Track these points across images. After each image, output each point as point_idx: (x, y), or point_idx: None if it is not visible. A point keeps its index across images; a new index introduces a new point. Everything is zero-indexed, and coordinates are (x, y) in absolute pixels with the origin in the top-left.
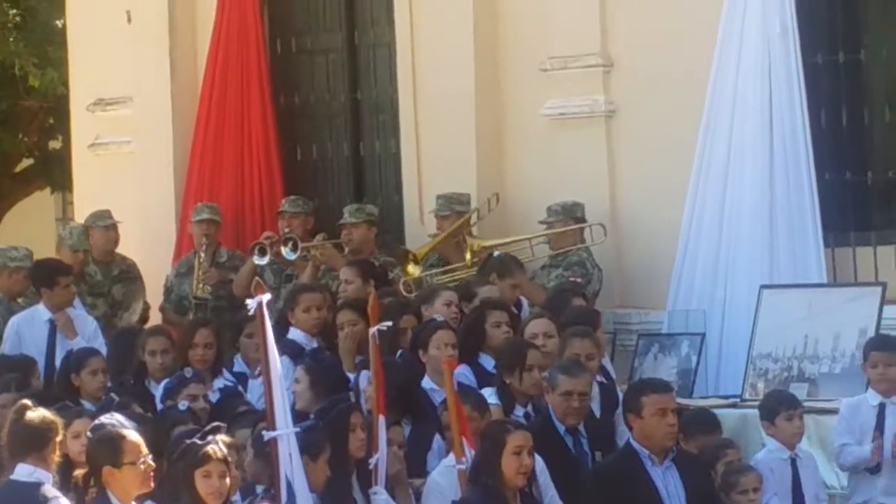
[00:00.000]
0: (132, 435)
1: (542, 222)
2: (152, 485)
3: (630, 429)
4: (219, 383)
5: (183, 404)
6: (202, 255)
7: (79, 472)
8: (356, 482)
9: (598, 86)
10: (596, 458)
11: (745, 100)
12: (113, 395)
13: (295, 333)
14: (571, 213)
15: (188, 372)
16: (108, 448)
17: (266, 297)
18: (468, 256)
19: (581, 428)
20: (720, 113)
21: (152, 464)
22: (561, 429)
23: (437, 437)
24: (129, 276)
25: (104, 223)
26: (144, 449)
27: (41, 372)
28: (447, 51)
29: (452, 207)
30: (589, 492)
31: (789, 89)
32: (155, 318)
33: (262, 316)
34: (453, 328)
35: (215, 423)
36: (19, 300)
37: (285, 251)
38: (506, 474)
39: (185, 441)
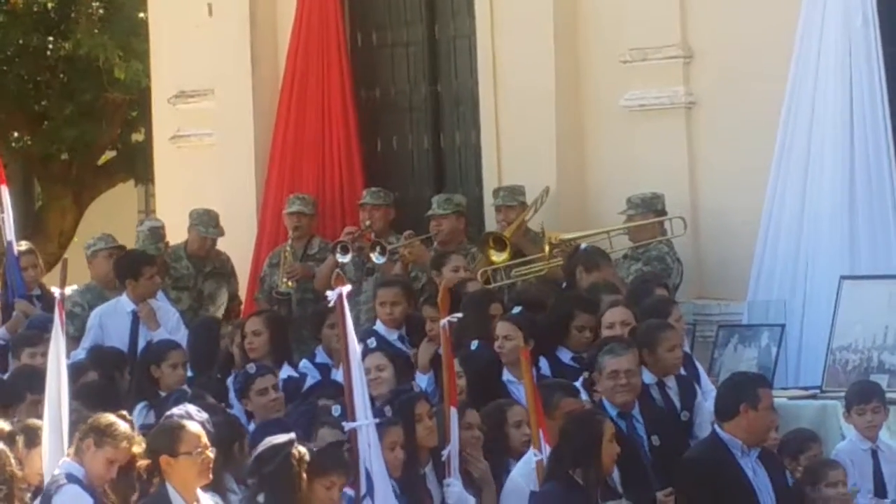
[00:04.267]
0: (192, 426)
1: (621, 213)
2: (210, 476)
3: (728, 418)
4: (282, 374)
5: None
6: (288, 249)
7: (142, 463)
8: (432, 473)
9: (678, 77)
10: (652, 441)
11: (825, 91)
12: (185, 387)
13: (378, 324)
14: (651, 206)
15: (251, 368)
16: (166, 437)
17: (346, 288)
18: (547, 248)
19: (636, 413)
20: (800, 104)
21: (211, 455)
22: (612, 413)
23: None
24: (222, 271)
25: (208, 231)
26: (204, 440)
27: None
28: (527, 43)
29: (516, 198)
30: (646, 474)
31: (870, 80)
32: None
33: (342, 307)
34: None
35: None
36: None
37: (374, 256)
38: (605, 462)
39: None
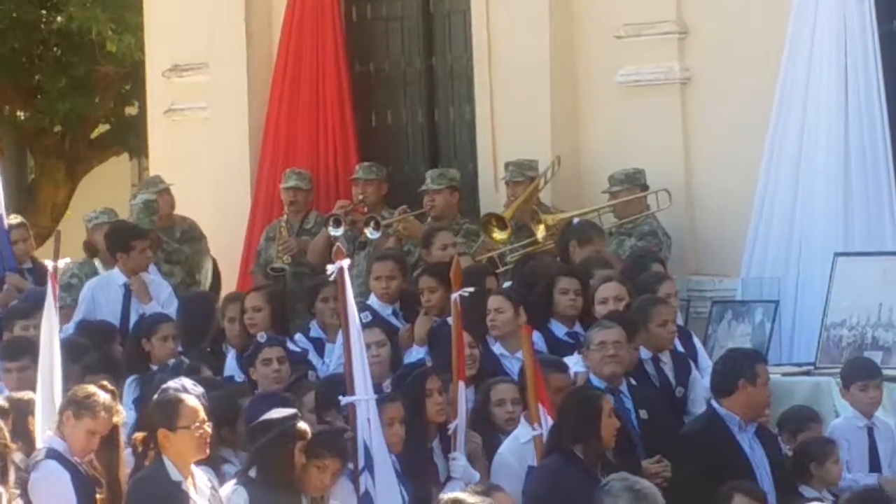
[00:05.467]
0: (190, 400)
1: (605, 192)
2: (208, 451)
3: (726, 394)
4: None
5: (240, 377)
6: (283, 224)
7: (138, 436)
8: (438, 447)
9: (672, 52)
10: (640, 415)
11: (820, 67)
12: (183, 357)
13: (371, 299)
14: (636, 181)
15: (262, 336)
16: (164, 411)
17: (346, 262)
18: (542, 233)
19: (624, 389)
20: (795, 80)
21: (208, 430)
22: (600, 387)
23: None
24: (193, 235)
25: (157, 189)
26: (202, 415)
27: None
28: (522, 18)
29: (525, 174)
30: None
31: (865, 56)
32: (228, 281)
33: (343, 281)
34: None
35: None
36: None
37: (368, 231)
38: (605, 437)
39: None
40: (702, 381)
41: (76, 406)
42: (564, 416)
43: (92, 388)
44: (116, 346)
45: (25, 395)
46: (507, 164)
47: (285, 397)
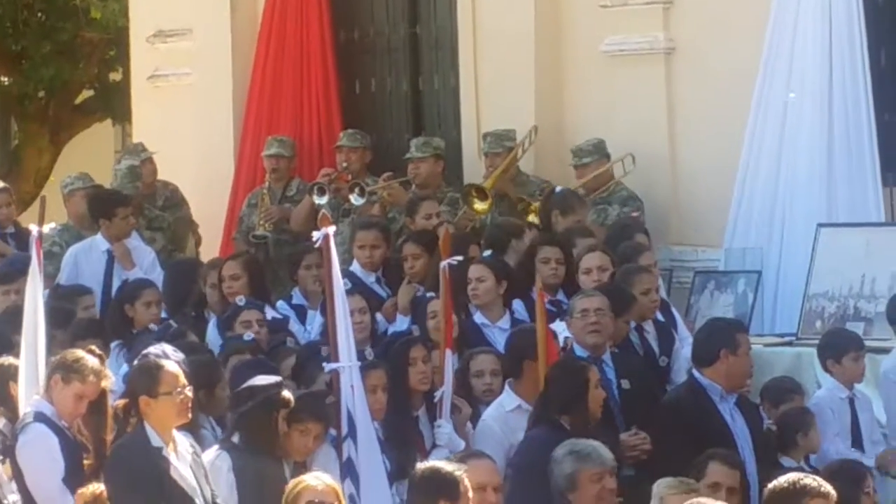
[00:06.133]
0: (170, 365)
1: (572, 164)
2: (190, 416)
3: (708, 364)
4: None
5: (248, 335)
6: (265, 191)
7: (119, 403)
8: (425, 416)
9: (657, 22)
10: (622, 385)
11: (804, 38)
12: (171, 322)
13: (354, 266)
14: (602, 151)
15: (240, 300)
16: (145, 378)
17: (331, 229)
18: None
19: (607, 358)
20: (780, 51)
21: (189, 395)
22: (583, 356)
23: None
24: (175, 201)
25: (139, 157)
26: (182, 380)
27: (98, 302)
28: None
29: (503, 144)
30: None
31: (850, 28)
32: (211, 247)
33: (328, 248)
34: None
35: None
36: None
37: (353, 197)
38: (591, 408)
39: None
40: (684, 351)
41: (65, 370)
42: (552, 387)
43: (80, 353)
44: (91, 309)
45: (6, 360)
46: (485, 135)
47: (271, 365)
